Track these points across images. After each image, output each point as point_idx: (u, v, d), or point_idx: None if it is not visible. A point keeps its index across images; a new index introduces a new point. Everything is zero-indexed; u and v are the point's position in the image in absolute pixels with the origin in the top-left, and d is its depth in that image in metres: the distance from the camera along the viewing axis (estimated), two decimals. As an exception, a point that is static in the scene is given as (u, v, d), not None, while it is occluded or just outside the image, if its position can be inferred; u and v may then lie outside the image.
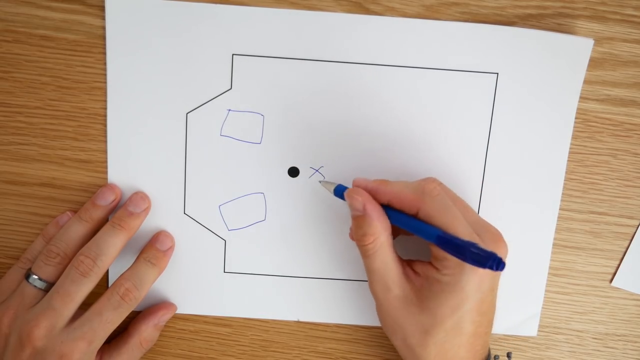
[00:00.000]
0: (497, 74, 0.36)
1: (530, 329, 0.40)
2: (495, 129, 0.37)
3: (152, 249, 0.37)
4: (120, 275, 0.35)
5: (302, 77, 0.36)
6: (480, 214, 0.38)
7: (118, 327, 0.38)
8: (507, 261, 0.38)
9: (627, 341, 0.41)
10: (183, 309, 0.39)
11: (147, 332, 0.38)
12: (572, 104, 0.37)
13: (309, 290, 0.39)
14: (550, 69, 0.36)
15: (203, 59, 0.36)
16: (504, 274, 0.39)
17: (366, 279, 0.38)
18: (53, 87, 0.37)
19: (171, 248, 0.38)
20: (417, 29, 0.36)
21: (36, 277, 0.34)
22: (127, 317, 0.39)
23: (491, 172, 0.38)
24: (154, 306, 0.39)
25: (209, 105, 0.36)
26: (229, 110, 0.37)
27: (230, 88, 0.36)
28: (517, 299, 0.39)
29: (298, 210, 0.38)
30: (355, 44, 0.36)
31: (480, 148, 0.37)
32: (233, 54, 0.36)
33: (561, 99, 0.37)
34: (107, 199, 0.36)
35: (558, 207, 0.38)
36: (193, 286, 0.39)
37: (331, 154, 0.37)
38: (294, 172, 0.38)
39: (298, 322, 0.40)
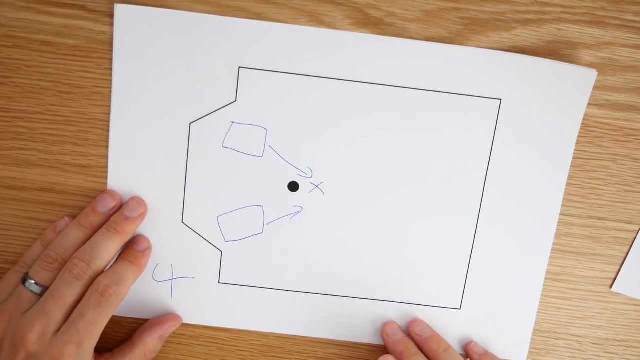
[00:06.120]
0: (501, 100, 0.36)
1: (520, 354, 0.40)
2: (496, 153, 0.37)
3: (130, 249, 0.37)
4: (99, 275, 0.35)
5: (306, 93, 0.36)
6: (476, 236, 0.38)
7: (122, 336, 0.38)
8: (501, 287, 0.39)
9: (627, 347, 0.41)
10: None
11: (152, 343, 0.38)
12: (573, 133, 0.37)
13: (303, 305, 0.39)
14: (553, 98, 0.36)
15: (209, 70, 0.36)
16: (497, 299, 0.39)
17: (362, 297, 0.39)
18: (53, 92, 0.37)
19: (149, 249, 0.38)
20: (423, 51, 0.36)
21: (33, 281, 0.34)
22: (131, 327, 0.39)
23: (489, 197, 0.38)
24: (160, 317, 0.39)
25: (212, 117, 0.37)
26: (233, 122, 0.37)
27: (235, 100, 0.36)
28: (510, 322, 0.40)
29: (295, 224, 0.38)
30: (360, 63, 0.36)
31: (479, 172, 0.37)
32: (240, 67, 0.36)
33: (563, 127, 0.37)
34: (107, 206, 0.36)
35: (553, 234, 0.38)
36: (187, 295, 0.39)
37: (332, 171, 0.37)
38: (293, 187, 0.38)
39: (293, 334, 0.40)
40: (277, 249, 0.38)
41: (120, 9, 0.35)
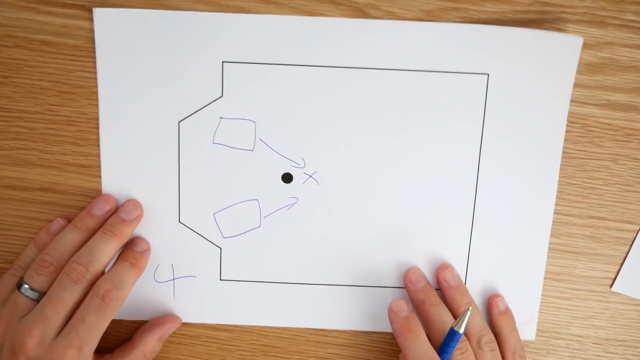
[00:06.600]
0: (488, 75, 0.36)
1: (529, 333, 0.40)
2: (488, 130, 0.37)
3: (130, 251, 0.37)
4: (99, 278, 0.35)
5: (292, 82, 0.36)
6: (474, 215, 0.38)
7: (122, 336, 0.38)
8: (503, 265, 0.39)
9: (628, 346, 0.41)
10: (180, 317, 0.39)
11: (151, 344, 0.37)
12: (563, 102, 0.37)
13: (306, 297, 0.39)
14: (541, 69, 0.36)
15: (193, 67, 0.36)
16: (501, 278, 0.39)
17: (361, 285, 0.39)
18: (53, 92, 0.37)
19: (148, 250, 0.38)
20: (406, 31, 0.36)
21: (28, 286, 0.34)
22: (131, 328, 0.39)
23: (485, 174, 0.38)
24: (159, 318, 0.39)
25: (200, 114, 0.37)
26: (221, 117, 0.37)
27: (222, 96, 0.36)
28: (515, 303, 0.39)
29: (293, 216, 0.38)
30: (343, 48, 0.36)
31: (473, 150, 0.37)
32: (223, 62, 0.36)
33: (553, 98, 0.37)
34: (103, 209, 0.36)
35: (553, 208, 0.38)
36: (190, 294, 0.39)
37: (324, 159, 0.37)
38: (287, 178, 0.38)
39: (298, 326, 0.40)
40: (276, 241, 0.38)
41: (98, 13, 0.35)
